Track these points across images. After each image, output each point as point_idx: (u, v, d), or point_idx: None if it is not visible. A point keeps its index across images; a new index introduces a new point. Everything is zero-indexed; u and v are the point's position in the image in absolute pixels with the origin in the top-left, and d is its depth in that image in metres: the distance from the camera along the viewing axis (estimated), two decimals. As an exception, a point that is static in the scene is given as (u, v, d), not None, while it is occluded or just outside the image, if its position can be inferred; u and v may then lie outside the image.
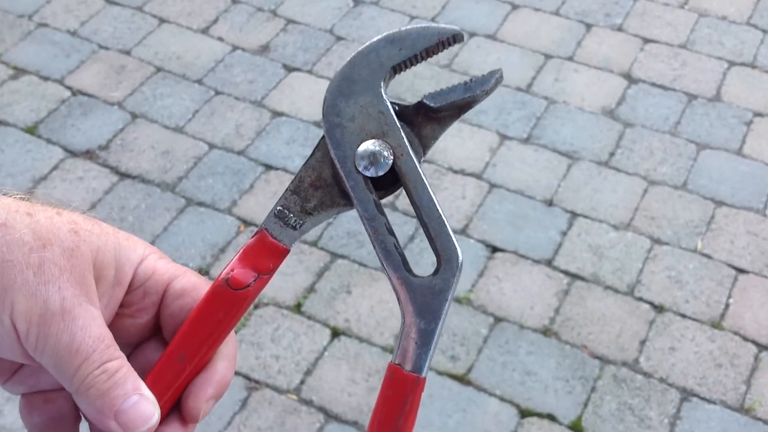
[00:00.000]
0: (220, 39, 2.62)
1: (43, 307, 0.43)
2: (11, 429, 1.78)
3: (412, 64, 0.49)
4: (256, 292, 0.47)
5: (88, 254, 0.45)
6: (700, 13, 2.71)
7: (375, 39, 0.49)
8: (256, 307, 1.96)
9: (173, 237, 2.09)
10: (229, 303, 0.46)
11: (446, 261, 0.46)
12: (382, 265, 0.46)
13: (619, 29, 2.66)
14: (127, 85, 2.47)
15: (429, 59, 0.49)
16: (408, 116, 0.48)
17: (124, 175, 2.24)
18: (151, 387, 0.45)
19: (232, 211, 2.16)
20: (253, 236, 0.48)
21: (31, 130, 2.35)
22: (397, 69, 0.49)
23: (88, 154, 2.29)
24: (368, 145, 0.47)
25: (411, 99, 0.50)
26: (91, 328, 0.43)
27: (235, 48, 2.59)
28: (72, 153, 2.29)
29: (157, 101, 2.43)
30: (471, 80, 0.48)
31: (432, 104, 0.48)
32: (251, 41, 2.61)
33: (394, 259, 0.46)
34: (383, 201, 0.48)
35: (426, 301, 0.45)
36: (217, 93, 2.46)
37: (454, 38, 0.49)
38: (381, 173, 0.47)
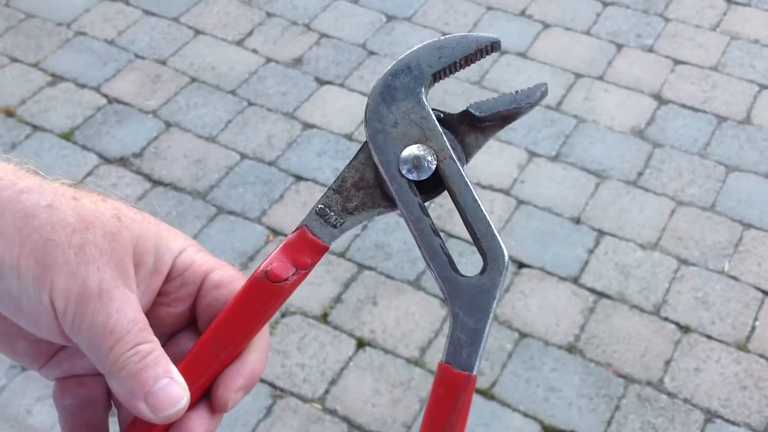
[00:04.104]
0: (255, 51, 2.66)
1: (82, 286, 0.43)
2: (40, 429, 1.81)
3: (451, 72, 0.50)
4: (293, 286, 0.47)
5: (129, 240, 0.46)
6: (731, 36, 2.72)
7: (415, 47, 0.50)
8: (283, 315, 1.98)
9: (203, 244, 2.09)
10: (266, 295, 0.47)
11: (493, 260, 0.46)
12: (428, 266, 0.46)
13: (650, 50, 2.67)
14: (162, 94, 2.51)
15: (459, 76, 0.50)
16: (452, 124, 0.49)
17: (156, 183, 2.27)
18: (183, 373, 0.45)
19: (261, 220, 2.19)
20: (293, 232, 0.48)
21: (67, 136, 2.39)
22: (437, 76, 0.50)
23: (122, 161, 2.33)
24: (412, 150, 0.47)
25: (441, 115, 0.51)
26: (126, 310, 0.44)
27: (268, 60, 2.62)
28: (106, 159, 2.33)
29: (191, 111, 2.47)
30: (516, 92, 0.49)
31: (477, 113, 0.49)
32: (285, 54, 2.65)
33: (440, 259, 0.46)
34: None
35: (474, 300, 0.45)
36: (250, 104, 2.49)
37: (492, 46, 0.49)
38: (424, 177, 0.47)
